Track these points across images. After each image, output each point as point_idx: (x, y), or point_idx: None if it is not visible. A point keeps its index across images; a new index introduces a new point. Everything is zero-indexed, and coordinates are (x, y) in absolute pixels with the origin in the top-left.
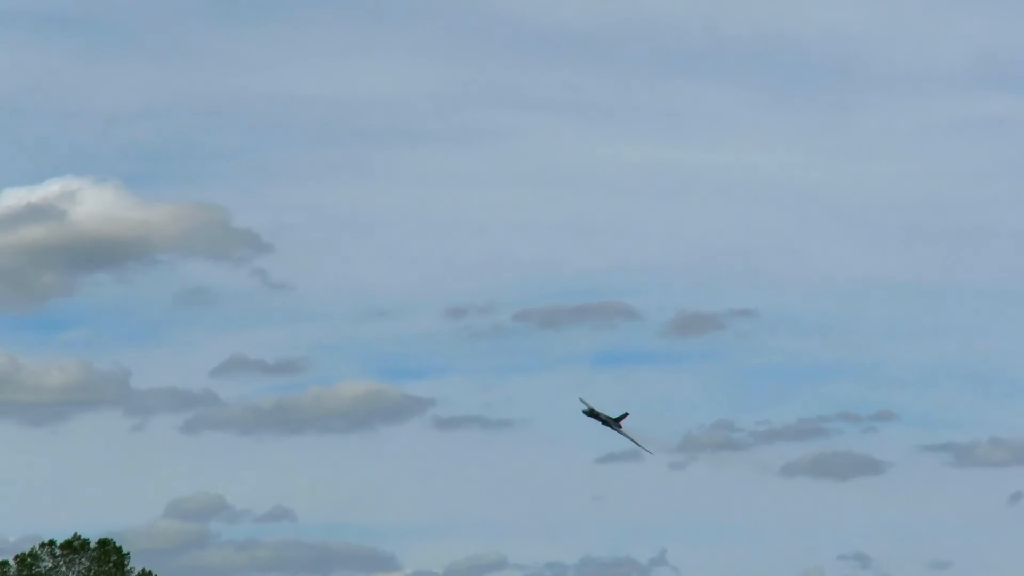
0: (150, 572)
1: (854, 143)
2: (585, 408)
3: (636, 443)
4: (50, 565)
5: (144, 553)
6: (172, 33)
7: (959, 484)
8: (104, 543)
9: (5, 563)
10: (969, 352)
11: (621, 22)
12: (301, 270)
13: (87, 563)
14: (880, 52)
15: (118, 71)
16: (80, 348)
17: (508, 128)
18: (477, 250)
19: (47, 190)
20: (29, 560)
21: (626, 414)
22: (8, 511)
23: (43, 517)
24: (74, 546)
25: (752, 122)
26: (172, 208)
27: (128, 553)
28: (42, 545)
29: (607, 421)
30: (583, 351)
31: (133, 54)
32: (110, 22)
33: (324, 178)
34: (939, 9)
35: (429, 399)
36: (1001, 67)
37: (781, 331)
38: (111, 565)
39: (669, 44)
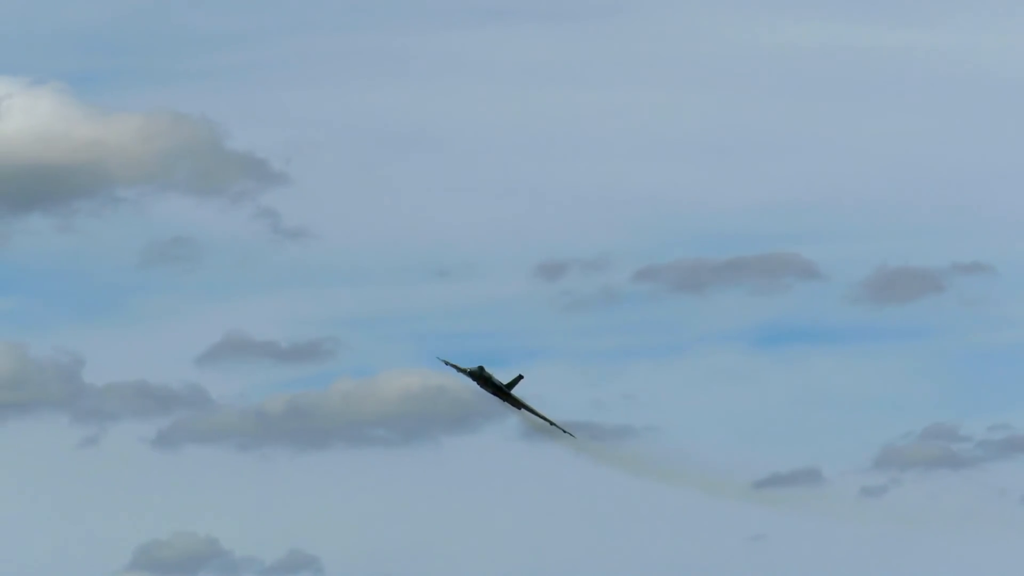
0: None
1: None
2: (463, 368)
3: (546, 420)
4: None
5: None
6: None
7: None
8: None
9: None
10: None
11: None
12: (326, 210)
13: None
14: None
15: None
16: (8, 326)
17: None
18: (581, 179)
19: None
20: None
21: (520, 376)
22: None
23: None
24: None
25: None
26: (138, 121)
27: None
28: None
29: (487, 384)
30: (738, 325)
31: None
32: None
33: (357, 75)
34: None
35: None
36: None
37: None
38: None
39: None
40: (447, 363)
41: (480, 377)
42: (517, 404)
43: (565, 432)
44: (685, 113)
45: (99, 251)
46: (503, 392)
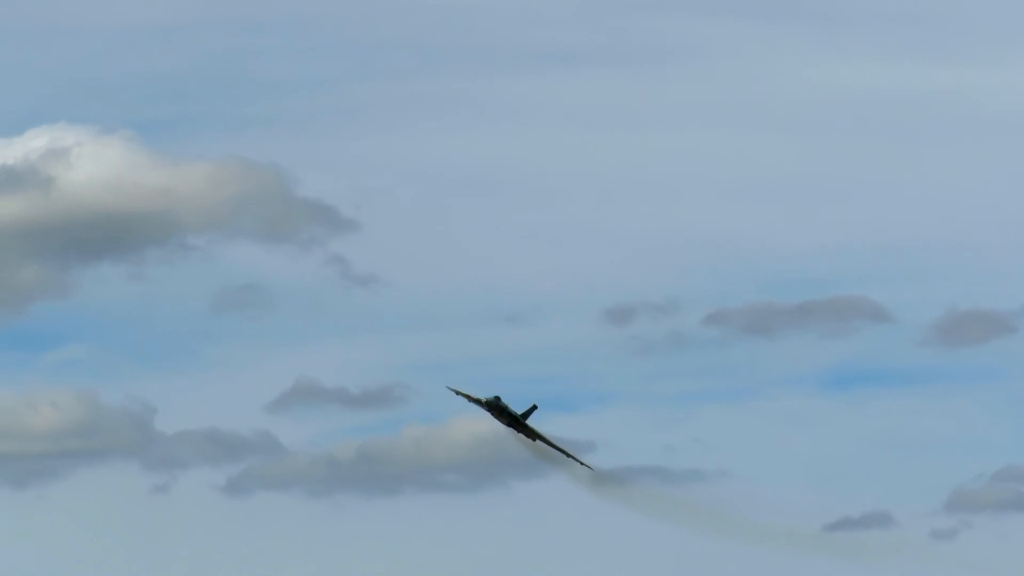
0: None
1: None
2: (476, 398)
3: (562, 451)
4: None
5: None
6: None
7: None
8: None
9: None
10: None
11: None
12: (396, 257)
13: None
14: None
15: None
16: (79, 374)
17: (689, 44)
18: (649, 223)
19: (26, 145)
20: None
21: (534, 407)
22: None
23: None
24: None
25: None
26: (208, 169)
27: None
28: None
29: (502, 415)
30: (808, 369)
31: None
32: None
33: (425, 121)
34: None
35: (585, 442)
36: None
37: None
38: None
39: None
40: (458, 392)
41: (496, 408)
42: (532, 435)
43: (582, 464)
44: (754, 157)
45: (169, 299)
46: (518, 423)
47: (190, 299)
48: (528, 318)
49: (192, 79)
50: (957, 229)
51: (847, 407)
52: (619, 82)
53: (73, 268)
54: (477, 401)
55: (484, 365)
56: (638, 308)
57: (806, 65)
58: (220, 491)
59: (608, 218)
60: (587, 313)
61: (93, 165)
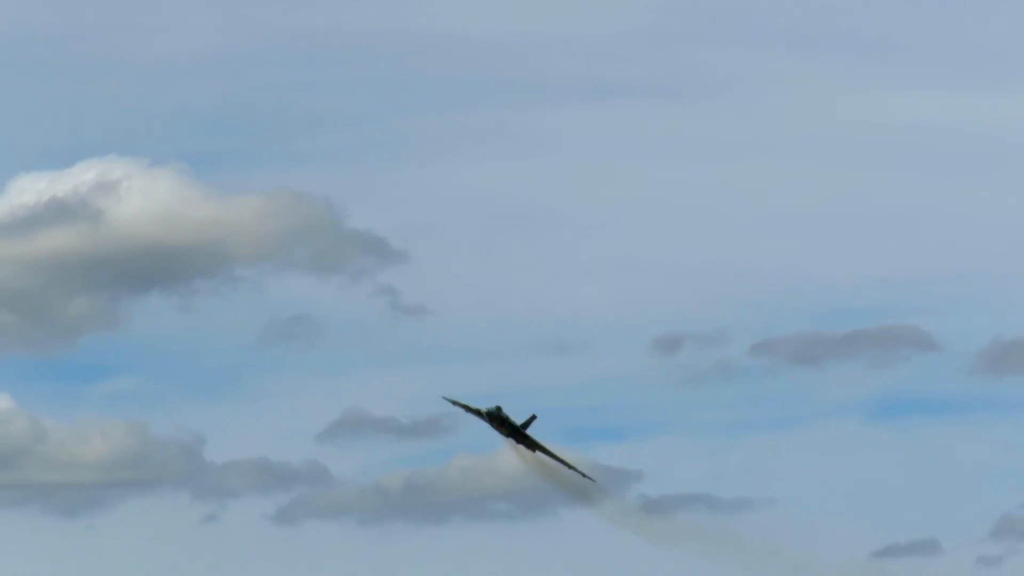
0: None
1: None
2: (474, 408)
3: (564, 463)
4: None
5: None
6: None
7: None
8: None
9: None
10: None
11: None
12: (445, 288)
13: None
14: None
15: (173, 8)
16: (129, 405)
17: (735, 75)
18: (697, 253)
19: (77, 178)
20: None
21: (534, 416)
22: None
23: None
24: None
25: None
26: (258, 202)
27: None
28: None
29: (502, 425)
30: (855, 398)
31: None
32: None
33: (474, 152)
34: None
35: (633, 471)
36: None
37: None
38: None
39: None
40: (455, 403)
41: (497, 418)
42: (532, 446)
43: (585, 476)
44: (802, 188)
45: (219, 330)
46: (519, 433)
47: (239, 330)
48: (576, 348)
49: (243, 112)
50: (1004, 258)
51: (894, 436)
52: (666, 114)
53: (123, 300)
54: (476, 412)
55: (533, 395)
56: (686, 338)
57: (852, 97)
58: (269, 520)
59: (656, 249)
60: (635, 343)
61: (143, 197)
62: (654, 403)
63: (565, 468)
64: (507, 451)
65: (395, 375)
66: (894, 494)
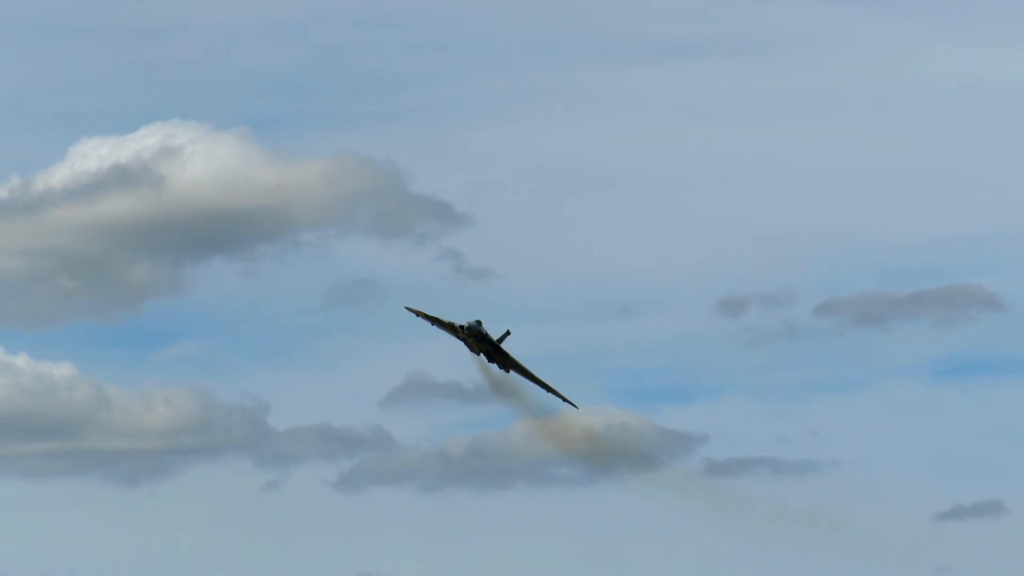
0: None
1: None
2: (443, 321)
3: (545, 386)
4: None
5: None
6: None
7: None
8: None
9: None
10: None
11: None
12: (510, 251)
13: None
14: None
15: None
16: (192, 371)
17: (800, 35)
18: (761, 214)
19: (139, 143)
20: None
21: (507, 332)
22: None
23: None
24: None
25: None
26: (321, 166)
27: None
28: None
29: (482, 341)
30: (920, 358)
31: None
32: None
33: (538, 114)
34: None
35: (698, 434)
36: None
37: None
38: None
39: None
40: (419, 314)
41: (477, 334)
42: (507, 364)
43: (565, 400)
44: (866, 147)
45: (282, 295)
46: (495, 350)
47: (303, 295)
48: (641, 310)
49: (306, 75)
50: None
51: (960, 396)
52: (731, 74)
53: (186, 266)
54: (448, 326)
55: (598, 357)
56: (750, 299)
57: (918, 55)
58: (332, 487)
59: (720, 210)
60: (700, 305)
61: (207, 162)
62: (718, 365)
63: (541, 390)
64: (571, 415)
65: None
66: (959, 455)
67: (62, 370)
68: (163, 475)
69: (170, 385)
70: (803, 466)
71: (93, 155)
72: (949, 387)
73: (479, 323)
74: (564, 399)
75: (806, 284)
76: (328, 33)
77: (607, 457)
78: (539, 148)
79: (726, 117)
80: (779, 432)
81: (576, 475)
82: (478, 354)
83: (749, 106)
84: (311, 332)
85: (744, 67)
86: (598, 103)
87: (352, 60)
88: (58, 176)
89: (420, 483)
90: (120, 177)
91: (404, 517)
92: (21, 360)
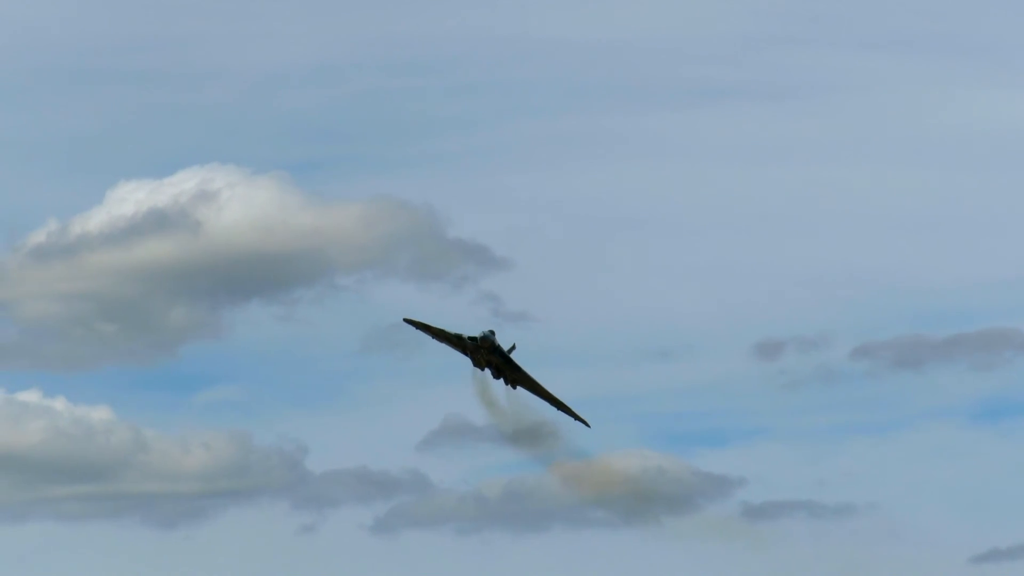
0: None
1: None
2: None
3: (557, 402)
4: None
5: None
6: None
7: None
8: None
9: None
10: None
11: None
12: (547, 294)
13: None
14: None
15: (276, 16)
16: (230, 415)
17: (836, 79)
18: (797, 257)
19: (177, 187)
20: None
21: (513, 346)
22: None
23: None
24: None
25: None
26: (359, 210)
27: None
28: None
29: (492, 354)
30: (956, 401)
31: None
32: None
33: (575, 158)
34: None
35: (735, 478)
36: None
37: None
38: None
39: None
40: (418, 325)
41: (489, 344)
42: (516, 380)
43: (577, 419)
44: (903, 191)
45: (320, 339)
46: (505, 361)
47: (341, 339)
48: (677, 353)
49: (344, 119)
50: None
51: (996, 438)
52: (765, 118)
53: (224, 309)
54: (451, 337)
55: (634, 401)
56: (787, 342)
57: (951, 98)
58: (368, 530)
59: (756, 253)
60: (737, 348)
61: (245, 206)
62: (755, 408)
63: (552, 407)
64: (608, 458)
65: (496, 382)
66: (995, 498)
67: (100, 414)
68: (200, 518)
69: (207, 429)
70: (840, 509)
71: (131, 199)
72: (985, 430)
73: (492, 333)
74: (576, 416)
75: (842, 327)
76: (366, 78)
77: (643, 501)
78: (576, 192)
79: (761, 160)
80: (816, 475)
81: (612, 518)
82: (483, 368)
83: (783, 149)
84: (348, 376)
85: (777, 111)
86: (634, 147)
87: (390, 104)
88: (96, 220)
89: (456, 526)
90: (157, 221)
91: (440, 560)
92: (59, 404)
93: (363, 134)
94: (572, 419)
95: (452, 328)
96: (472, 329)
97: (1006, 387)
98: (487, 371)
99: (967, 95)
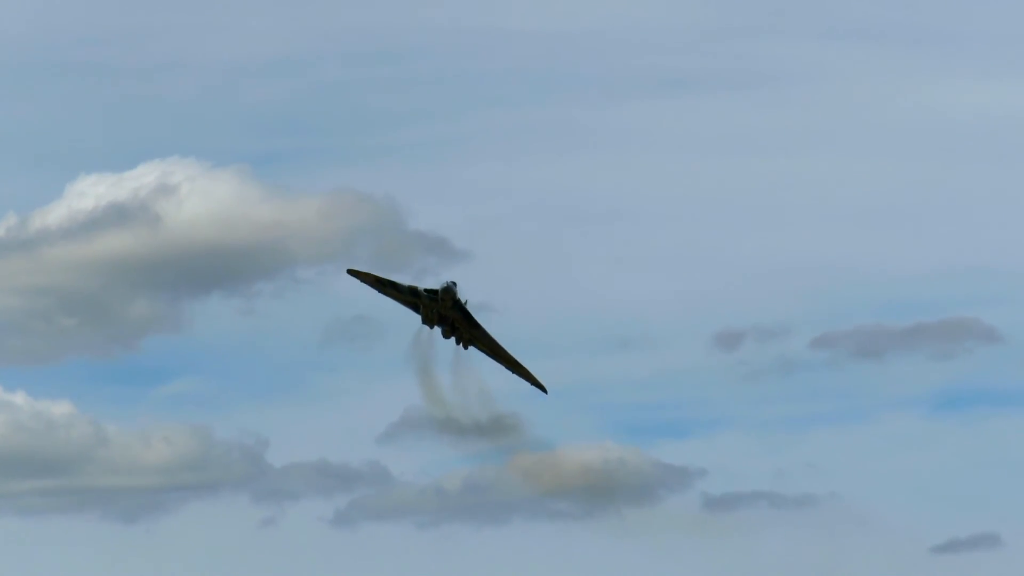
0: None
1: None
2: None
3: (513, 363)
4: None
5: None
6: None
7: None
8: None
9: None
10: None
11: None
12: (508, 286)
13: None
14: None
15: (236, 8)
16: (190, 408)
17: (798, 69)
18: (757, 247)
19: (138, 180)
20: None
21: (466, 301)
22: None
23: None
24: None
25: None
26: (319, 203)
27: None
28: None
29: (453, 309)
30: (917, 391)
31: None
32: None
33: (538, 152)
34: None
35: (695, 469)
36: None
37: None
38: None
39: None
40: (362, 275)
41: (451, 296)
42: (472, 337)
43: (535, 384)
44: (862, 180)
45: (280, 331)
46: (464, 316)
47: (301, 332)
48: (638, 344)
49: (304, 112)
50: None
51: (957, 429)
52: (728, 109)
53: (184, 302)
54: (403, 290)
55: (595, 392)
56: (747, 333)
57: (917, 89)
58: (329, 523)
59: (716, 243)
60: (696, 339)
61: (204, 199)
62: (715, 399)
63: (508, 371)
64: (569, 450)
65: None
66: (956, 488)
67: (60, 408)
68: (161, 512)
69: (168, 422)
70: (801, 500)
71: (90, 193)
72: (946, 420)
73: (455, 284)
74: (534, 381)
75: (803, 317)
76: (326, 70)
77: (604, 493)
78: (537, 183)
79: (724, 151)
80: (776, 466)
81: (573, 510)
82: (433, 326)
83: (746, 140)
84: (309, 369)
85: (740, 101)
86: (596, 138)
87: (350, 97)
88: (55, 214)
89: (417, 519)
90: (118, 215)
91: (401, 553)
92: (19, 398)
93: (324, 126)
94: (529, 384)
95: (405, 280)
96: (427, 283)
97: (967, 377)
98: (436, 329)
99: (928, 85)
